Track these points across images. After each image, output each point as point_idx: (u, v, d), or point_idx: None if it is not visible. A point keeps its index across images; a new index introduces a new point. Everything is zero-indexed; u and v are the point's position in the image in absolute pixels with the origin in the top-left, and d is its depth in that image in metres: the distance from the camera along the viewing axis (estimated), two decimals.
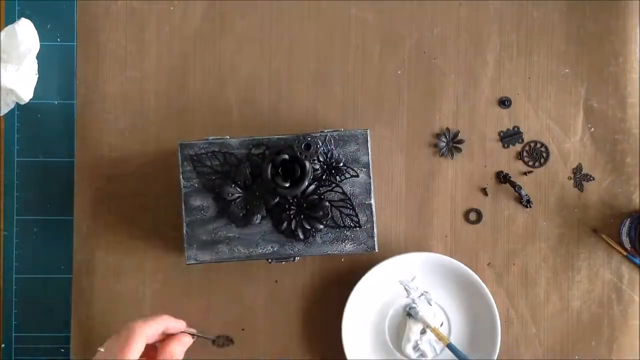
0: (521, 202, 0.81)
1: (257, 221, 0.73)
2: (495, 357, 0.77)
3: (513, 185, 0.80)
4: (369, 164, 0.73)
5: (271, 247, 0.73)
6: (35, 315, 0.81)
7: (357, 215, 0.73)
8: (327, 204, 0.73)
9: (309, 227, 0.73)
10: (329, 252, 0.74)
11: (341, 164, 0.73)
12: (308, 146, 0.72)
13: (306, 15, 0.81)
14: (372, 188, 0.73)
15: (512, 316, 0.81)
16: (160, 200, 0.80)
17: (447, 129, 0.81)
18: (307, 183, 0.71)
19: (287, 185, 0.71)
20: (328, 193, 0.73)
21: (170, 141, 0.80)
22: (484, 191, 0.82)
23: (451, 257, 0.79)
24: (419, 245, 0.81)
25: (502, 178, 0.81)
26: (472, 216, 0.82)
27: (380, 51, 0.81)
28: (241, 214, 0.73)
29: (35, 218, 0.81)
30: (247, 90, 0.81)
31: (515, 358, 0.81)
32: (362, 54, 0.81)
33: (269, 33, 0.81)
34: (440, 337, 0.78)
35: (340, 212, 0.73)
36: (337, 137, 0.73)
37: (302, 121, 0.81)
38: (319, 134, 0.73)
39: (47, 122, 0.81)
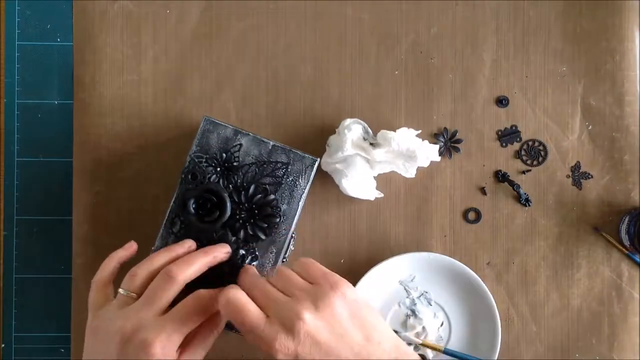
0: (520, 201, 0.81)
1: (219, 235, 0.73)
2: (496, 357, 0.77)
3: (512, 184, 0.80)
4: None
5: (253, 254, 0.73)
6: (35, 315, 0.81)
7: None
8: (272, 196, 0.73)
9: (266, 225, 0.73)
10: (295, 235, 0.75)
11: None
12: (195, 176, 0.73)
13: (302, 16, 0.82)
14: None
15: (512, 315, 0.81)
16: (159, 203, 0.80)
17: (445, 128, 0.81)
18: (228, 213, 0.72)
19: (210, 219, 0.72)
20: (267, 186, 0.73)
21: (168, 144, 0.81)
22: (483, 190, 0.81)
23: (450, 256, 0.79)
24: (419, 245, 0.81)
25: (501, 177, 0.81)
26: (471, 215, 0.82)
27: (377, 51, 0.82)
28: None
29: (35, 218, 0.82)
30: (244, 92, 0.82)
31: (516, 357, 0.80)
32: (358, 54, 0.82)
33: (266, 35, 0.82)
34: (433, 348, 0.78)
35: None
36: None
37: (299, 121, 0.81)
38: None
39: (47, 122, 0.82)
